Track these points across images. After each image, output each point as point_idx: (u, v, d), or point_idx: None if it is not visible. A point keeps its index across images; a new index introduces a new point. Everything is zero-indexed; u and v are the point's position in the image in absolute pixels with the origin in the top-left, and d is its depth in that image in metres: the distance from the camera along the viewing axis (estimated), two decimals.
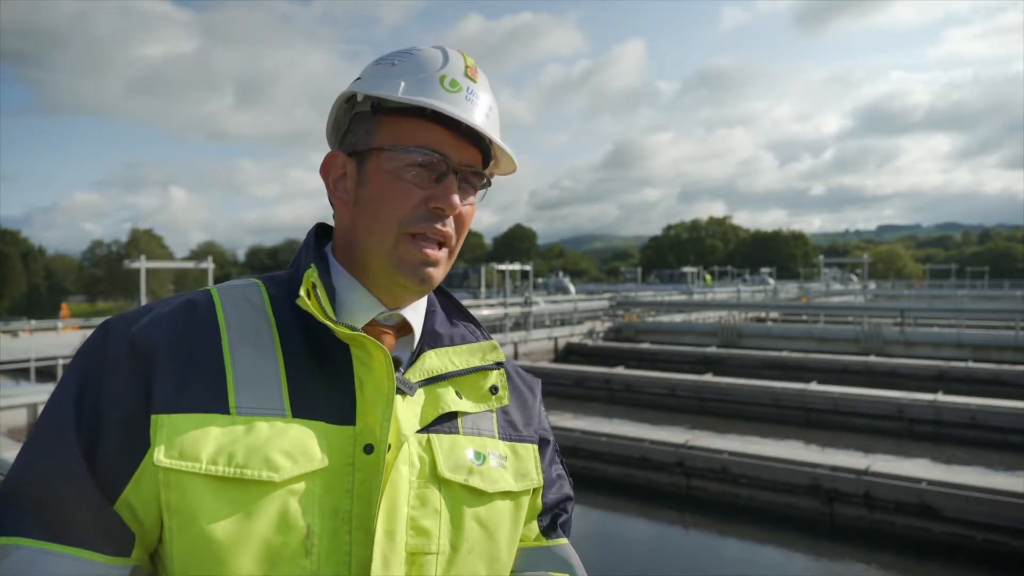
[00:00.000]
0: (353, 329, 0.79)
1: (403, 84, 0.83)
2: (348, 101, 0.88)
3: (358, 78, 0.88)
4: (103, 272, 62.89)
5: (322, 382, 0.79)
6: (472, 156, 0.86)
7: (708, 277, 50.68)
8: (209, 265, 15.08)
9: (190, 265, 18.26)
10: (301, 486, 0.73)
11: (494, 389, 0.93)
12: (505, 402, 0.94)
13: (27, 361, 12.20)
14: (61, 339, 15.60)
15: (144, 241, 57.88)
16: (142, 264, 13.98)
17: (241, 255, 74.92)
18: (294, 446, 0.74)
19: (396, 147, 0.83)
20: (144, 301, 14.23)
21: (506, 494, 0.87)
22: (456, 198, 0.83)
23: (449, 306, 0.98)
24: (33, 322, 16.59)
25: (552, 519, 0.96)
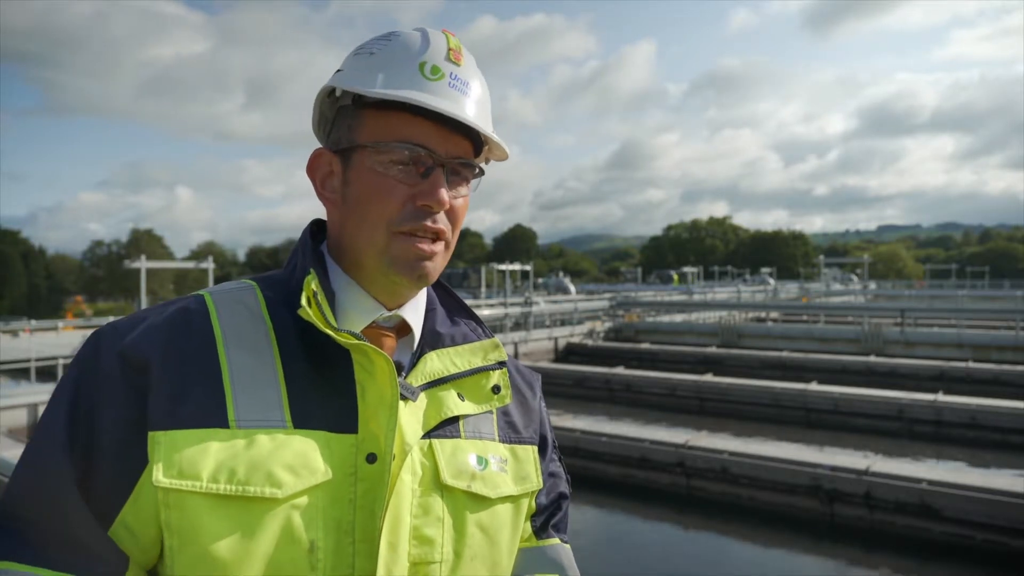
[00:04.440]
0: (355, 336, 0.76)
1: (381, 76, 0.79)
2: (331, 95, 0.84)
3: (339, 70, 0.84)
4: (103, 272, 62.94)
5: (322, 389, 0.77)
6: (461, 146, 0.82)
7: (676, 277, 51.06)
8: (209, 265, 15.08)
9: (190, 265, 18.27)
10: (304, 500, 0.72)
11: (496, 389, 0.90)
12: (507, 401, 0.91)
13: (27, 361, 12.19)
14: (61, 339, 15.60)
15: (144, 241, 57.90)
16: (142, 264, 13.98)
17: (242, 255, 74.99)
18: (296, 459, 0.72)
19: (379, 143, 0.79)
20: (144, 301, 14.25)
21: (507, 498, 0.86)
22: (444, 193, 0.79)
23: (449, 302, 0.95)
24: (33, 322, 16.58)
25: (545, 519, 0.94)
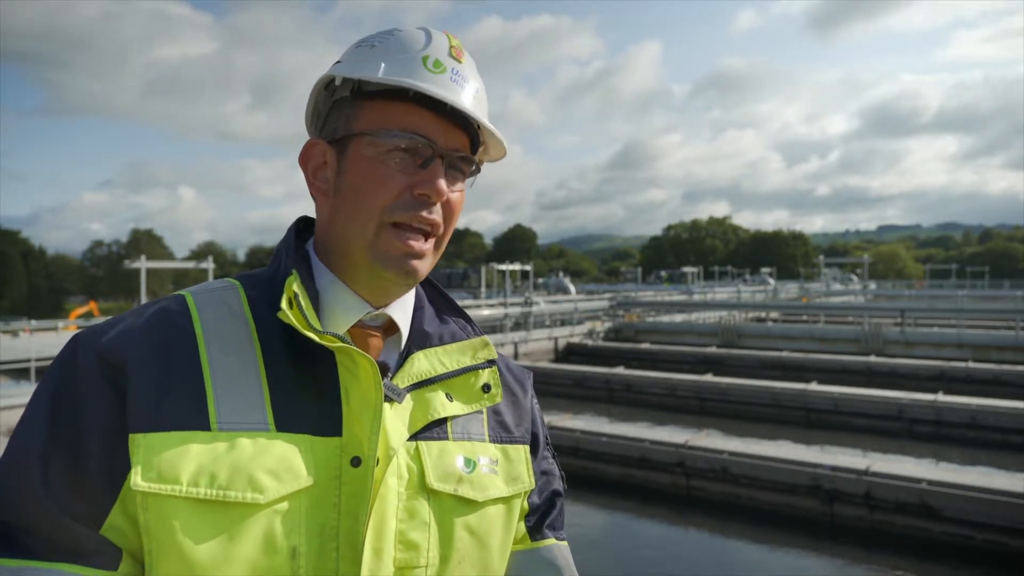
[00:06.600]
0: (339, 338, 0.75)
1: (384, 65, 0.78)
2: (327, 87, 0.83)
3: (337, 62, 0.83)
4: (103, 272, 62.98)
5: (306, 391, 0.75)
6: (459, 140, 0.81)
7: (665, 277, 52.36)
8: (209, 265, 15.09)
9: (190, 265, 18.30)
10: (286, 505, 0.70)
11: (486, 388, 0.89)
12: (497, 400, 0.89)
13: (27, 361, 12.19)
14: (61, 339, 15.60)
15: (144, 241, 57.96)
16: (142, 264, 14.00)
17: (242, 255, 74.98)
18: (279, 463, 0.71)
19: (378, 131, 0.78)
20: (144, 301, 14.26)
21: (497, 500, 0.84)
22: (443, 183, 0.78)
23: (438, 301, 0.93)
24: (33, 322, 16.57)
25: (539, 518, 0.93)
